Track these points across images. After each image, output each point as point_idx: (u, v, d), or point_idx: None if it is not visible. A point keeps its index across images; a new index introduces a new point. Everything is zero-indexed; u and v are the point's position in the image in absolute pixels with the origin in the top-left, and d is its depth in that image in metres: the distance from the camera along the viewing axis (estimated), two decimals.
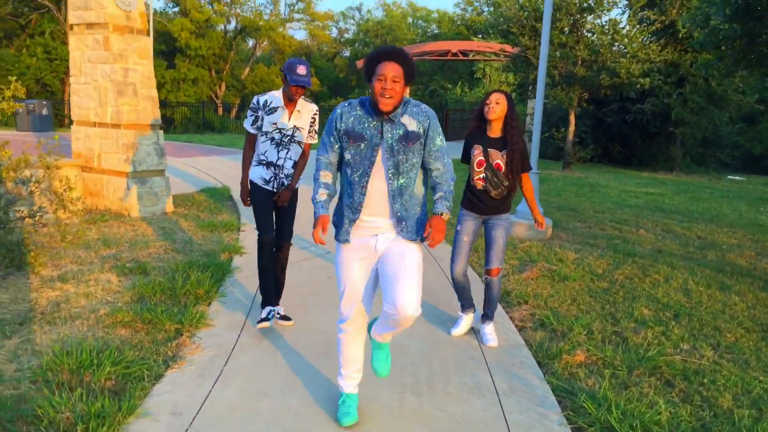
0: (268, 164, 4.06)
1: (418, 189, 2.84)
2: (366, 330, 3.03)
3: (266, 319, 4.07)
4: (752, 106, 21.30)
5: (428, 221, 2.69)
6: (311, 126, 4.15)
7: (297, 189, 4.21)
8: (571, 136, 18.07)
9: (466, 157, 4.12)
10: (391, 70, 2.60)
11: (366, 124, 2.73)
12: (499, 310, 4.79)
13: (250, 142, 4.09)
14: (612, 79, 16.53)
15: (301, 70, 3.83)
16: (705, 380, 3.71)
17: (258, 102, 3.98)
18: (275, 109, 3.98)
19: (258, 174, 4.09)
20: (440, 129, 2.82)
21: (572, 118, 17.79)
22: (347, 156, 2.75)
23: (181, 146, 18.25)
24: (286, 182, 4.11)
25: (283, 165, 4.08)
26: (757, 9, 6.52)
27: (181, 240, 6.44)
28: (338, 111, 2.78)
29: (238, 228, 7.22)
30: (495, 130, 4.01)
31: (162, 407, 2.99)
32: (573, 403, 3.33)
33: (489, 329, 4.17)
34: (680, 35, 18.60)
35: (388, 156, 2.71)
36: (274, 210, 4.19)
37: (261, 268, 4.14)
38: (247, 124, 4.03)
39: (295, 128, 4.06)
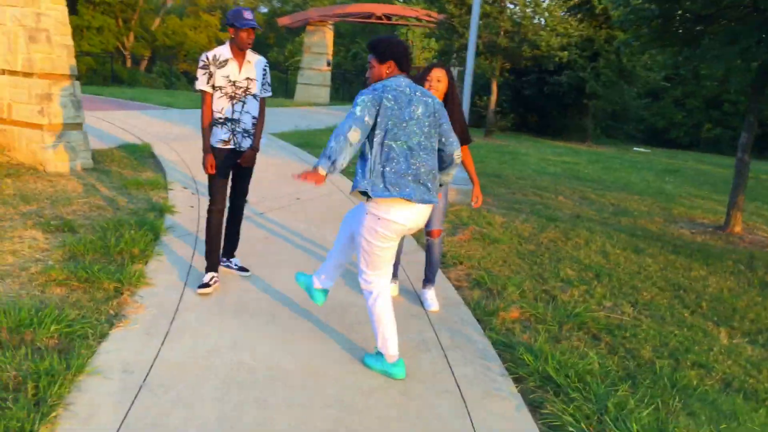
0: (224, 121, 3.97)
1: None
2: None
3: (207, 284, 4.00)
4: (658, 83, 22.60)
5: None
6: (264, 78, 4.10)
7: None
8: (492, 105, 18.52)
9: None
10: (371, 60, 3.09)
11: None
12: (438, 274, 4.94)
13: (208, 103, 3.94)
14: (533, 51, 17.02)
15: (248, 14, 3.84)
16: (627, 334, 4.02)
17: (207, 57, 3.87)
18: (225, 62, 3.89)
19: (215, 137, 3.99)
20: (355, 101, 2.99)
21: (494, 87, 18.22)
22: None
23: (90, 98, 17.20)
24: (243, 138, 4.04)
25: (239, 119, 4.00)
26: None
27: (105, 198, 6.16)
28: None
29: (165, 186, 6.98)
30: None
31: (112, 365, 2.92)
32: (512, 356, 3.53)
33: (430, 294, 4.23)
34: (596, 11, 19.33)
35: None
36: (232, 171, 4.14)
37: (210, 235, 4.10)
38: (200, 84, 3.90)
39: (248, 80, 3.99)
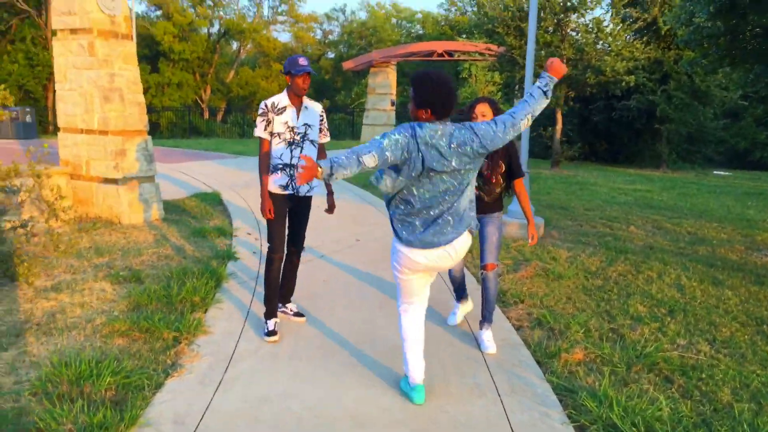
0: (284, 167, 4.06)
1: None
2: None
3: (273, 332, 4.06)
4: (736, 101, 21.58)
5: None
6: (321, 124, 4.22)
7: (310, 197, 4.27)
8: (558, 135, 18.17)
9: None
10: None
11: None
12: (496, 309, 4.80)
13: (265, 148, 4.06)
14: (597, 77, 16.66)
15: (303, 61, 3.96)
16: (703, 375, 3.74)
17: (266, 105, 4.01)
18: (284, 109, 4.03)
19: (274, 183, 4.09)
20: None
21: (559, 116, 17.90)
22: None
23: (168, 151, 18.13)
24: (303, 185, 4.03)
25: (297, 165, 3.99)
26: (741, 6, 6.60)
27: (173, 247, 6.40)
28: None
29: (230, 233, 7.19)
30: None
31: (164, 416, 2.97)
32: (574, 402, 3.34)
33: (487, 335, 4.09)
34: (662, 32, 18.79)
35: None
36: (293, 218, 4.26)
37: (269, 281, 4.17)
38: (258, 131, 4.03)
39: (306, 126, 4.10)
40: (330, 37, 52.57)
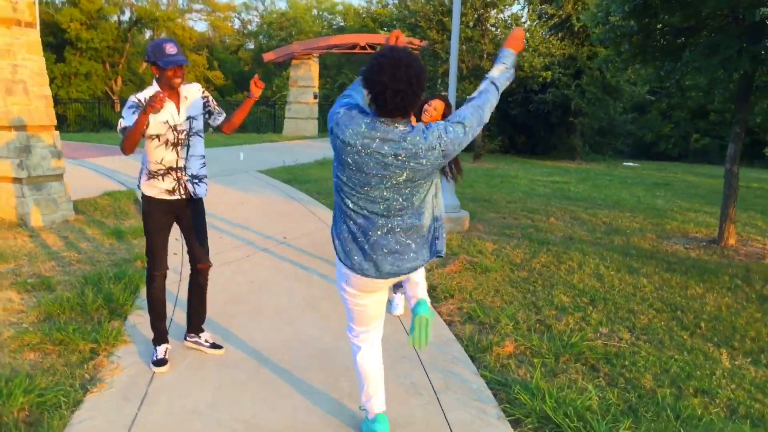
0: (167, 172, 3.46)
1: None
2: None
3: (163, 360, 3.51)
4: (643, 96, 22.71)
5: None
6: (206, 107, 3.58)
7: (202, 198, 3.67)
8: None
9: None
10: None
11: None
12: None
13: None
14: (516, 73, 17.08)
15: (171, 48, 3.30)
16: (626, 362, 3.88)
17: (139, 101, 3.33)
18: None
19: (156, 188, 3.48)
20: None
21: None
22: None
23: (77, 146, 17.16)
24: (194, 185, 3.53)
25: (185, 165, 3.49)
26: (653, 6, 6.90)
27: (86, 250, 6.03)
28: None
29: None
30: None
31: None
32: (508, 395, 3.38)
33: (399, 299, 4.57)
34: (576, 29, 19.50)
35: None
36: (184, 228, 3.66)
37: (151, 302, 3.62)
38: (125, 121, 3.30)
39: (191, 119, 3.49)
40: (249, 27, 51.43)
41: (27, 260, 5.52)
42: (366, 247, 2.48)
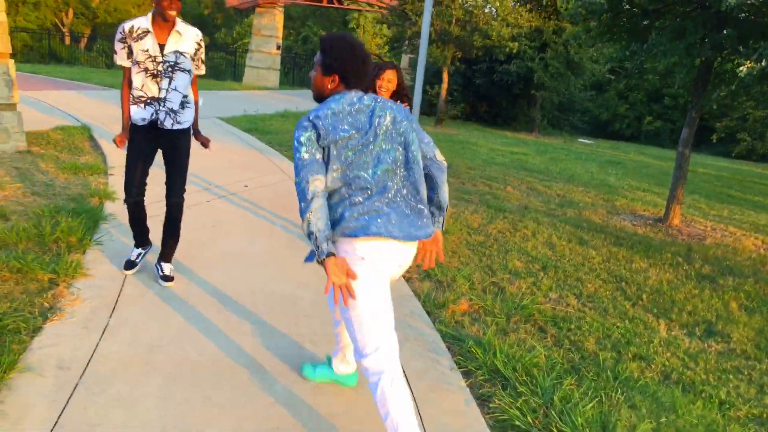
0: (148, 101, 3.60)
1: None
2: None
3: (132, 262, 3.95)
4: (603, 75, 23.14)
5: None
6: (197, 53, 3.72)
7: (190, 128, 3.84)
8: (443, 94, 18.58)
9: None
10: None
11: None
12: None
13: (127, 77, 3.65)
14: (484, 41, 17.12)
15: None
16: (572, 326, 4.10)
17: (124, 29, 3.49)
18: (144, 34, 3.51)
19: (137, 116, 3.64)
20: None
21: (445, 75, 18.27)
22: None
23: (25, 77, 16.40)
24: (167, 117, 3.65)
25: (165, 97, 3.62)
26: None
27: (41, 182, 5.87)
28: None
29: (105, 171, 6.71)
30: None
31: (46, 361, 2.78)
32: (461, 349, 3.54)
33: None
34: (544, 1, 19.60)
35: None
36: (165, 160, 3.80)
37: (132, 226, 3.96)
38: (119, 59, 3.56)
39: (178, 53, 3.60)
40: None
41: None
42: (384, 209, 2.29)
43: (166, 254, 3.97)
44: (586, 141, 22.40)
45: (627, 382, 3.38)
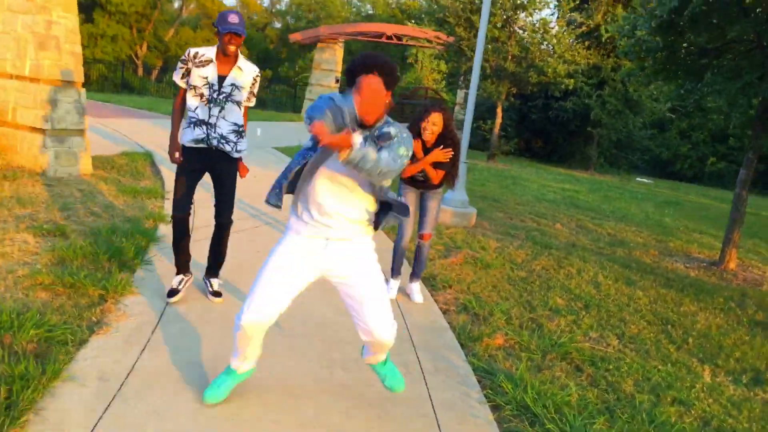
0: (198, 123, 3.82)
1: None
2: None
3: (175, 291, 4.00)
4: (664, 113, 22.66)
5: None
6: (251, 87, 3.97)
7: (237, 161, 4.03)
8: (497, 129, 18.60)
9: None
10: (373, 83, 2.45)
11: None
12: (426, 293, 4.95)
13: (180, 95, 3.92)
14: (539, 77, 17.13)
15: (233, 18, 3.67)
16: (610, 367, 4.01)
17: (189, 53, 3.77)
18: (206, 62, 3.77)
19: (188, 136, 3.86)
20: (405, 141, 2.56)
21: (499, 111, 18.31)
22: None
23: (98, 106, 17.37)
24: (219, 143, 3.86)
25: (215, 124, 3.83)
26: (679, 24, 6.96)
27: (101, 204, 6.20)
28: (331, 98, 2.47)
29: (162, 195, 7.02)
30: (429, 142, 4.46)
31: (88, 372, 2.93)
32: (492, 383, 3.52)
33: (416, 287, 4.75)
34: (603, 39, 19.48)
35: None
36: (214, 183, 4.02)
37: (174, 244, 4.07)
38: (175, 76, 3.85)
39: (234, 86, 3.84)
40: (278, 6, 51.48)
41: (44, 207, 5.69)
42: None
43: (213, 271, 4.21)
44: (645, 180, 21.88)
45: (663, 426, 3.28)
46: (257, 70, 4.00)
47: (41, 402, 2.63)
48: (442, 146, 4.34)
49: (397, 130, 2.57)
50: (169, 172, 8.38)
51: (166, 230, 5.57)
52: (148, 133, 12.42)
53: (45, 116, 7.08)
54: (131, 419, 2.64)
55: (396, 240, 4.80)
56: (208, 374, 3.11)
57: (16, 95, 7.23)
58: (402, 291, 4.88)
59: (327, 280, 2.80)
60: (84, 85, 7.56)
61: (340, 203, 2.61)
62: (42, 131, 7.13)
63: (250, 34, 44.97)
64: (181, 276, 4.11)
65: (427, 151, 4.43)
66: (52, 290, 3.81)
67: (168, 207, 6.46)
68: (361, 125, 2.54)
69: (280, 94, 32.52)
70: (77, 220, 5.48)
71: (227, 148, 3.91)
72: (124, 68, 30.90)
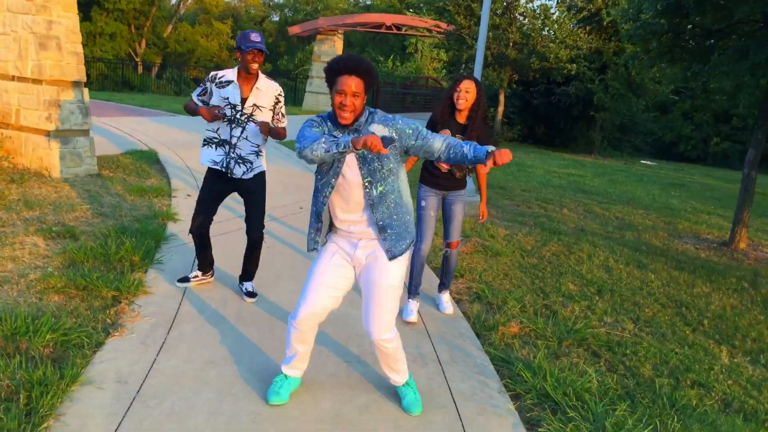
0: (219, 143, 3.88)
1: (405, 197, 2.77)
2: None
3: (185, 278, 4.23)
4: (667, 96, 22.54)
5: (489, 155, 2.42)
6: (276, 107, 3.95)
7: (264, 173, 4.03)
8: (500, 116, 18.52)
9: None
10: (351, 84, 2.49)
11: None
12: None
13: (193, 101, 3.97)
14: (541, 63, 17.03)
15: (255, 36, 3.75)
16: (627, 351, 3.98)
17: (211, 74, 3.88)
18: (226, 84, 3.82)
19: (208, 157, 3.93)
20: (408, 122, 2.67)
21: (502, 98, 18.22)
22: (317, 165, 2.71)
23: (100, 105, 17.34)
24: (237, 164, 3.89)
25: (236, 144, 3.86)
26: (685, 6, 6.88)
27: (109, 204, 6.18)
28: (314, 120, 2.67)
29: (169, 194, 7.00)
30: (462, 116, 4.06)
31: (106, 375, 2.92)
32: (510, 372, 3.50)
33: (446, 297, 4.45)
34: (605, 23, 19.32)
35: (361, 165, 2.63)
36: (244, 201, 4.05)
37: (195, 248, 4.22)
38: (194, 93, 3.95)
39: (255, 107, 3.86)
40: None
41: (52, 209, 5.68)
42: None
43: (248, 276, 4.26)
44: (649, 163, 21.79)
45: (684, 410, 3.26)
46: (278, 88, 3.96)
47: (61, 407, 2.62)
48: (470, 119, 3.98)
49: (386, 127, 2.63)
50: (173, 170, 8.36)
51: (174, 228, 5.56)
52: (151, 130, 12.39)
53: (49, 117, 7.06)
54: (152, 421, 2.62)
55: (413, 250, 4.20)
56: (224, 373, 3.10)
57: (20, 97, 7.20)
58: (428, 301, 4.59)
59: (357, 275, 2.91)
60: (85, 84, 7.53)
61: (346, 212, 2.76)
62: (46, 132, 7.11)
63: (248, 28, 44.84)
64: (200, 273, 4.29)
65: (462, 128, 4.02)
66: (65, 293, 3.80)
67: (175, 204, 6.44)
68: (342, 126, 2.61)
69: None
70: (86, 221, 5.47)
71: (242, 169, 3.92)
72: (124, 66, 30.81)
